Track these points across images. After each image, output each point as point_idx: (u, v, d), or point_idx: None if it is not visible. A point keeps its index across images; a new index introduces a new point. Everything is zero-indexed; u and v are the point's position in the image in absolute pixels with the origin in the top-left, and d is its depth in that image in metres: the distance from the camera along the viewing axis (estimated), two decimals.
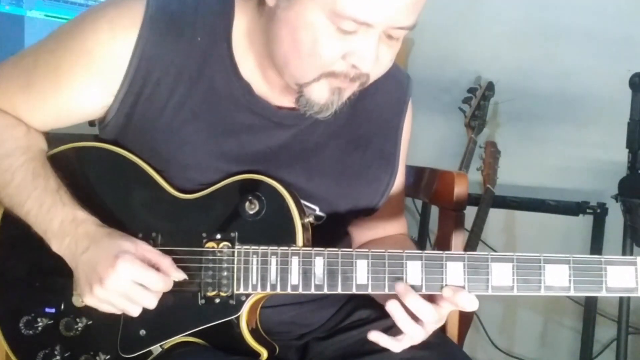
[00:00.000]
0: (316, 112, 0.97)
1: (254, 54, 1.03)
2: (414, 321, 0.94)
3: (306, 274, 0.96)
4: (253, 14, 1.00)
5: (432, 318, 0.94)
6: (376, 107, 1.14)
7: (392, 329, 0.97)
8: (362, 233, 1.24)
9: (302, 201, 1.04)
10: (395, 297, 0.94)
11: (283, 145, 1.06)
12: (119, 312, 0.96)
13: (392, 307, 0.94)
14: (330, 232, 1.11)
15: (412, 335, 0.95)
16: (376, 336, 0.97)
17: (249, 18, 1.02)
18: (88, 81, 1.02)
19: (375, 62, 0.92)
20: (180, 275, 0.97)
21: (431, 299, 0.95)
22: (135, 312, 0.95)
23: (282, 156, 1.06)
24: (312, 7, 0.88)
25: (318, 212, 1.09)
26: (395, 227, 1.25)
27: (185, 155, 1.03)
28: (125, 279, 0.92)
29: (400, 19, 0.90)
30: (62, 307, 1.03)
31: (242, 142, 1.04)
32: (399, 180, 1.20)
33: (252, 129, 1.05)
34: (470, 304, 0.93)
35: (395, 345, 0.97)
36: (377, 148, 1.14)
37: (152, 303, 0.95)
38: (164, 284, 0.95)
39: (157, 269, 0.95)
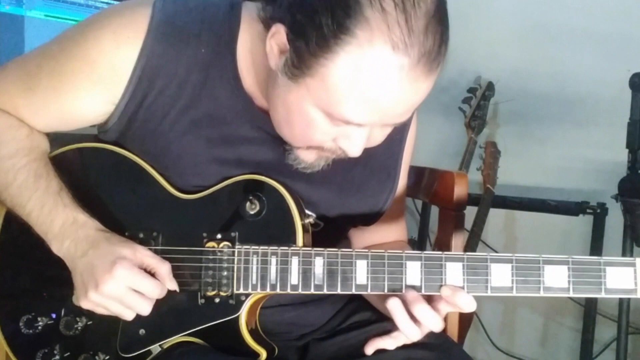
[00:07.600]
0: (303, 168, 1.00)
1: (255, 72, 1.02)
2: (413, 322, 0.94)
3: (306, 274, 0.96)
4: (259, 38, 0.98)
5: (437, 327, 0.94)
6: None
7: (390, 332, 0.98)
8: (361, 237, 1.23)
9: None
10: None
11: (282, 159, 1.04)
12: (114, 315, 0.97)
13: (394, 306, 0.94)
14: (328, 238, 1.09)
15: (409, 335, 0.95)
16: (372, 346, 0.99)
17: (254, 38, 1.00)
18: (90, 89, 1.01)
19: (363, 147, 0.94)
20: (174, 286, 0.98)
21: (429, 300, 0.95)
22: (129, 317, 0.96)
23: (281, 170, 1.04)
24: (308, 99, 0.89)
25: (316, 220, 1.09)
26: (395, 233, 1.24)
27: (184, 164, 1.03)
28: (121, 285, 0.93)
29: (393, 120, 0.92)
30: (62, 306, 1.03)
31: (241, 154, 1.04)
32: (401, 185, 1.19)
33: (252, 142, 1.04)
34: (468, 305, 0.93)
35: (390, 343, 0.98)
36: (377, 162, 1.13)
37: (146, 309, 0.96)
38: (159, 291, 0.96)
39: (154, 274, 0.96)
